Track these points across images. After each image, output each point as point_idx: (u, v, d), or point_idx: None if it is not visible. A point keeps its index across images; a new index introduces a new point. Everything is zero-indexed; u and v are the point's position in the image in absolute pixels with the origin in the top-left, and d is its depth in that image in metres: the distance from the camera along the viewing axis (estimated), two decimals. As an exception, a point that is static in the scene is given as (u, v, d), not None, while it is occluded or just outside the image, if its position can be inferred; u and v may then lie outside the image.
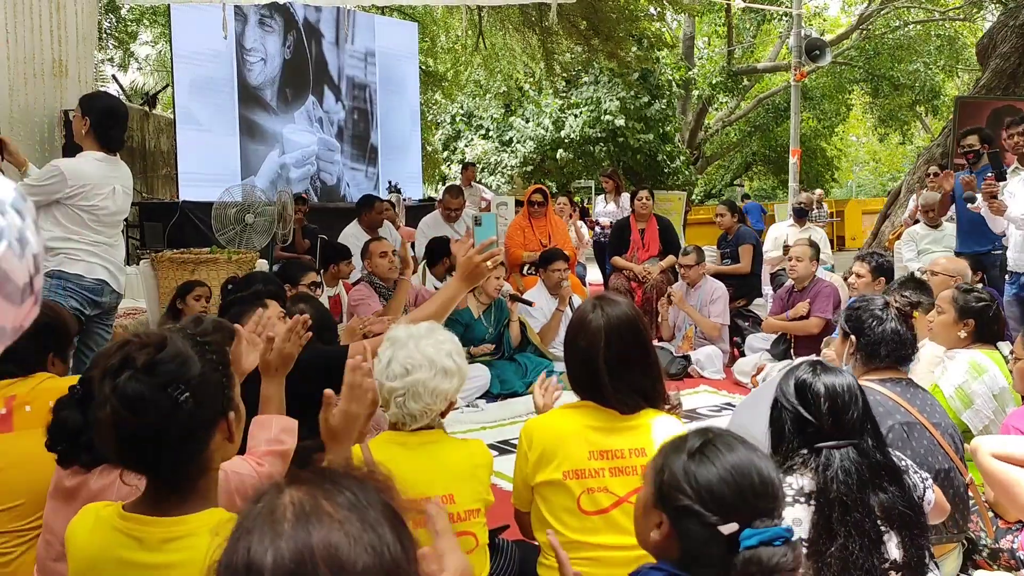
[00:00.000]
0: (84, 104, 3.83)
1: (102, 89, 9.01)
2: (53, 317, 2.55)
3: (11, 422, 2.35)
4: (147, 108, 10.68)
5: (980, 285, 4.72)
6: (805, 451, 1.89)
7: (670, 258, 6.97)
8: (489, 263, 2.33)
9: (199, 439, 1.36)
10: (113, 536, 1.35)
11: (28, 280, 0.75)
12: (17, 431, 2.33)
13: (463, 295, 2.38)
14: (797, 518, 1.82)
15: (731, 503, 1.29)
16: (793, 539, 1.28)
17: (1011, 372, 2.97)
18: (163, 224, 7.50)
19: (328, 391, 1.69)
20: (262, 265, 6.28)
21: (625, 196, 8.78)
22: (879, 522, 1.81)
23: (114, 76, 13.83)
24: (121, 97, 12.64)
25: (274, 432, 1.86)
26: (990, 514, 2.62)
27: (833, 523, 1.79)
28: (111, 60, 15.42)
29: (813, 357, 4.51)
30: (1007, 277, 4.99)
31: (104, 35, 13.60)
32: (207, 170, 8.69)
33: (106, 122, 3.82)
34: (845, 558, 1.76)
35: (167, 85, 11.08)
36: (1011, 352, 3.03)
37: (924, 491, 2.00)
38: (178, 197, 8.45)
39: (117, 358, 1.32)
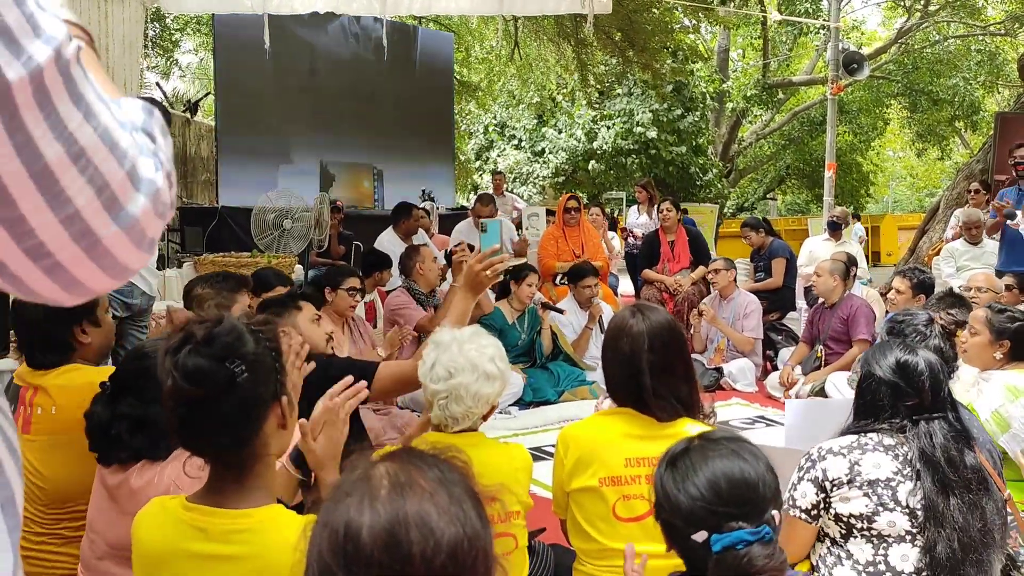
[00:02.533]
0: None
1: (145, 95, 9.22)
2: None
3: (29, 423, 2.29)
4: (189, 115, 10.89)
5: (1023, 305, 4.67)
6: (896, 420, 2.02)
7: (700, 269, 6.97)
8: (489, 272, 2.32)
9: (255, 417, 1.40)
10: (178, 527, 1.39)
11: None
12: (34, 435, 2.27)
13: (472, 305, 2.38)
14: (877, 462, 1.98)
15: (700, 514, 1.35)
16: (767, 539, 1.32)
17: None
18: (203, 228, 7.65)
19: (302, 421, 1.73)
20: (299, 270, 6.39)
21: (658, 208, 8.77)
22: (974, 481, 1.94)
23: (157, 83, 14.12)
24: (164, 104, 12.90)
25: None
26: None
27: (946, 482, 1.92)
28: (155, 68, 15.75)
29: (848, 373, 4.50)
30: None
31: (149, 43, 13.90)
32: (247, 176, 8.84)
33: None
34: (963, 512, 1.89)
35: (208, 93, 11.31)
36: None
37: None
38: (217, 202, 8.61)
39: (179, 337, 1.37)
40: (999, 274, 5.35)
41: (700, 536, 1.33)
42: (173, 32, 16.01)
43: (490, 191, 10.12)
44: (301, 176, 9.16)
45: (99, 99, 0.65)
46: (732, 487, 1.36)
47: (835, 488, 1.99)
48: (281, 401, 1.45)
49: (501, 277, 3.42)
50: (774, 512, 1.37)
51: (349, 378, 1.80)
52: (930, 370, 2.02)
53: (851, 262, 6.00)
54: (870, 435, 2.03)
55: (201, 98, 12.53)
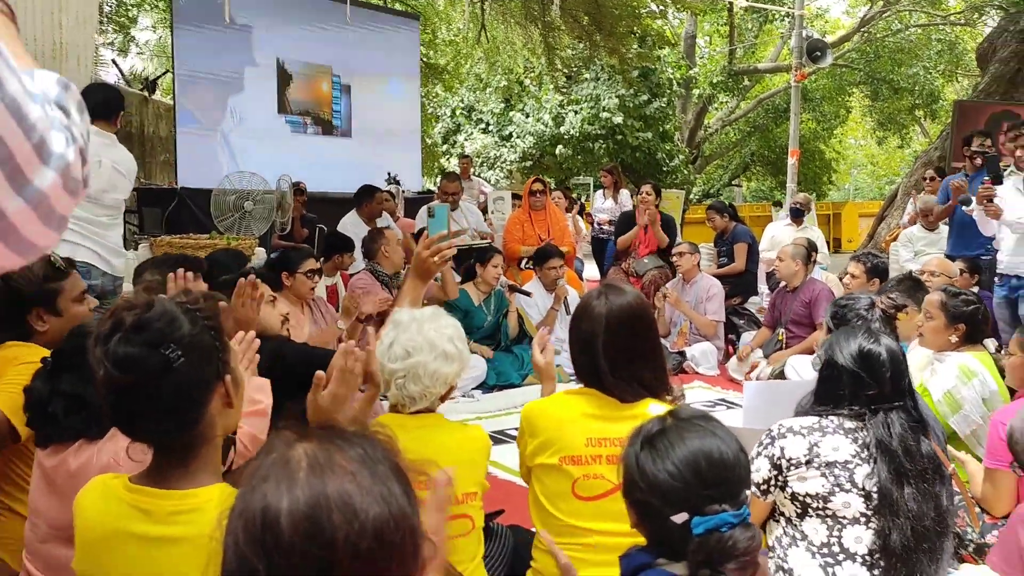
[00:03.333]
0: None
1: (101, 73, 9.01)
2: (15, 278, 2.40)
3: None
4: (146, 93, 10.65)
5: (976, 288, 4.77)
6: (856, 407, 2.04)
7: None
8: (437, 259, 2.28)
9: (196, 401, 1.37)
10: (121, 509, 1.36)
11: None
12: None
13: (422, 292, 2.34)
14: (836, 445, 2.00)
15: (680, 494, 1.33)
16: (748, 524, 1.31)
17: (1004, 368, 3.00)
18: (161, 210, 7.50)
19: (319, 372, 1.71)
20: (260, 253, 6.30)
21: (624, 193, 8.80)
22: (930, 469, 1.97)
23: (114, 61, 13.76)
24: (120, 82, 12.61)
25: (249, 392, 1.88)
26: (976, 509, 2.66)
27: (901, 472, 1.94)
28: (111, 44, 15.37)
29: (811, 356, 4.56)
30: (997, 279, 5.04)
31: (104, 19, 13.55)
32: (205, 157, 8.68)
33: (90, 97, 3.84)
34: (916, 501, 1.92)
35: (167, 71, 11.06)
36: (1004, 351, 3.06)
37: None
38: (176, 183, 8.45)
39: (108, 324, 1.33)
40: (950, 259, 5.46)
41: (680, 518, 1.31)
42: (130, 8, 15.64)
43: (456, 171, 10.08)
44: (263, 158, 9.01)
45: (8, 68, 0.62)
46: (711, 466, 1.34)
47: (792, 468, 2.01)
48: (225, 380, 1.41)
49: (450, 263, 3.38)
50: (747, 492, 1.37)
51: (351, 342, 1.75)
52: (892, 359, 2.04)
53: (812, 247, 6.07)
54: (831, 417, 2.05)
55: (159, 76, 12.25)
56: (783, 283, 5.91)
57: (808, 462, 1.99)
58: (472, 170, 11.45)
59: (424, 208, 7.48)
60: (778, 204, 16.49)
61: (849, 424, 2.03)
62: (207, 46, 8.77)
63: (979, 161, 5.86)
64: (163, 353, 1.31)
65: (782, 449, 2.02)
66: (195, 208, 7.57)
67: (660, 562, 1.36)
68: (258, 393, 1.91)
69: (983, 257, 5.52)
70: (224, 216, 6.23)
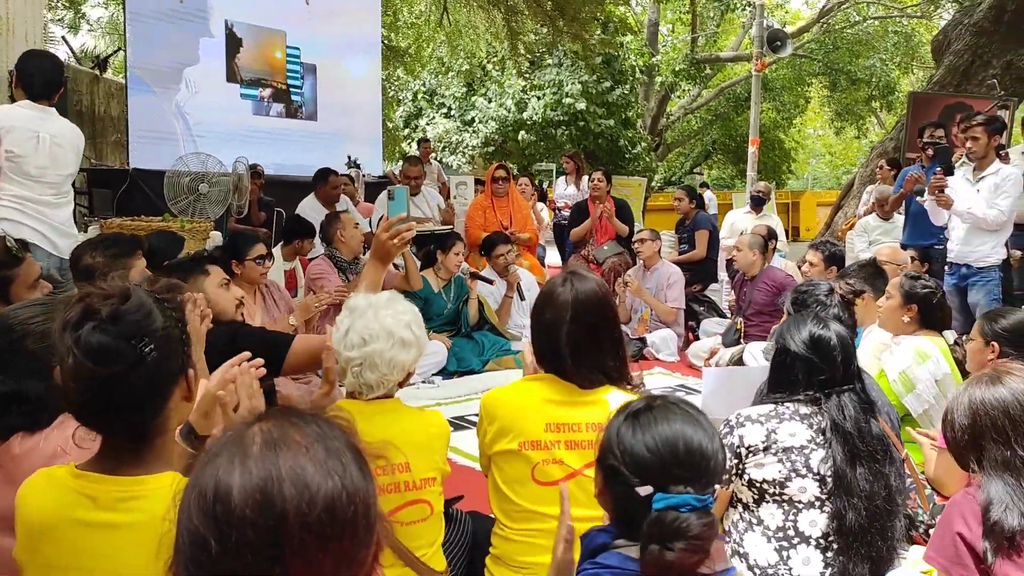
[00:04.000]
0: (16, 65, 3.89)
1: (50, 50, 8.75)
2: None
3: None
4: (97, 72, 10.38)
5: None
6: (811, 392, 2.08)
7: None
8: (397, 241, 2.26)
9: (161, 394, 1.35)
10: (66, 496, 1.33)
11: None
12: None
13: (382, 275, 2.33)
14: (793, 431, 2.04)
15: (651, 468, 1.35)
16: (708, 511, 1.32)
17: (964, 353, 3.07)
18: (112, 191, 7.33)
19: (220, 392, 1.68)
20: (216, 236, 6.19)
21: (586, 179, 8.81)
22: (879, 450, 2.02)
23: (64, 38, 13.40)
24: (71, 60, 12.27)
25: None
26: (927, 490, 2.72)
27: (855, 452, 1.99)
28: (61, 21, 14.93)
29: (764, 343, 4.62)
30: (947, 268, 5.15)
31: (54, -5, 13.18)
32: (158, 136, 8.49)
33: (29, 72, 3.79)
34: (868, 481, 1.96)
35: (119, 49, 10.79)
36: (963, 337, 3.14)
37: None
38: (128, 164, 8.26)
39: (78, 309, 1.30)
40: (904, 247, 5.56)
41: (645, 490, 1.32)
42: (82, -16, 15.22)
43: (417, 155, 9.99)
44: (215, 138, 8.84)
45: None
46: (688, 452, 1.36)
47: (750, 455, 2.04)
48: (187, 373, 1.40)
49: (410, 246, 3.36)
50: (717, 487, 1.38)
51: (246, 354, 1.73)
52: (842, 344, 2.09)
53: (770, 235, 6.15)
54: (787, 404, 2.09)
55: (111, 54, 11.94)
56: (741, 272, 5.98)
57: (766, 448, 2.02)
58: (432, 155, 11.38)
59: (384, 192, 7.44)
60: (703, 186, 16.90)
61: (804, 410, 2.06)
62: (161, 13, 8.54)
63: (931, 152, 5.97)
64: (136, 346, 1.29)
65: (741, 437, 2.05)
66: (148, 190, 7.41)
67: (619, 543, 1.37)
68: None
69: (936, 247, 5.63)
70: (178, 199, 6.10)
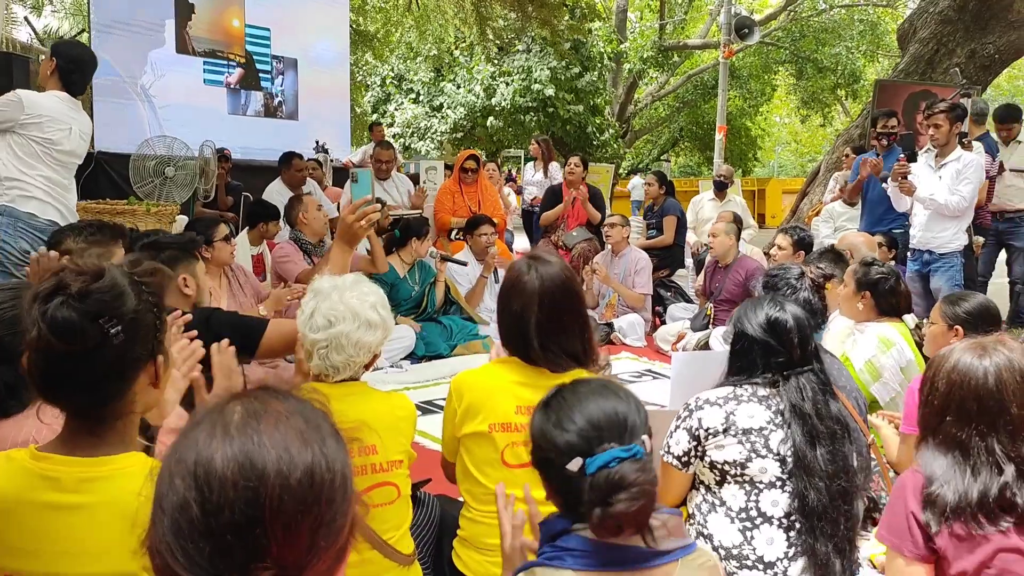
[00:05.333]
0: (55, 48, 4.08)
1: (12, 30, 8.53)
2: None
3: None
4: (59, 53, 10.14)
5: (892, 262, 4.94)
6: (769, 375, 2.09)
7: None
8: (363, 222, 2.26)
9: (124, 378, 1.33)
10: (26, 478, 1.30)
11: None
12: None
13: (348, 258, 2.33)
14: (751, 413, 2.04)
15: (575, 445, 1.37)
16: (640, 457, 1.34)
17: (923, 337, 3.11)
18: (77, 175, 7.17)
19: (194, 374, 1.68)
20: (182, 220, 6.09)
21: (554, 165, 8.81)
22: (839, 430, 2.03)
23: (26, 18, 13.07)
24: (33, 41, 11.98)
25: (182, 421, 1.82)
26: (891, 474, 2.76)
27: (814, 433, 2.00)
28: (23, 1, 14.55)
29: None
30: (909, 254, 5.22)
31: (13, -27, 12.81)
32: (124, 119, 8.32)
33: (71, 67, 3.96)
34: (828, 461, 1.98)
35: (83, 30, 10.56)
36: (925, 321, 3.17)
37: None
38: (93, 147, 8.09)
39: (51, 283, 1.28)
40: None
41: (575, 464, 1.34)
42: (43, -37, 14.84)
43: (390, 140, 9.90)
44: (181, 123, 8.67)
45: None
46: (605, 416, 1.39)
47: (710, 437, 2.05)
48: (156, 360, 1.38)
49: (374, 227, 3.35)
50: (644, 437, 1.39)
51: (225, 342, 1.73)
52: (798, 326, 2.10)
53: (738, 220, 6.19)
54: (745, 387, 2.09)
55: (75, 36, 11.69)
56: (710, 257, 6.00)
57: (725, 431, 2.03)
58: (401, 140, 11.27)
59: (350, 175, 7.35)
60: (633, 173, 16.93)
61: (763, 392, 2.08)
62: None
63: (884, 142, 6.04)
64: (102, 326, 1.27)
65: (699, 420, 2.06)
66: (113, 173, 7.28)
67: (577, 527, 1.38)
68: (181, 420, 1.84)
69: (895, 231, 5.71)
70: (144, 182, 5.99)
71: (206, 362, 1.85)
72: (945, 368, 1.77)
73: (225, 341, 1.83)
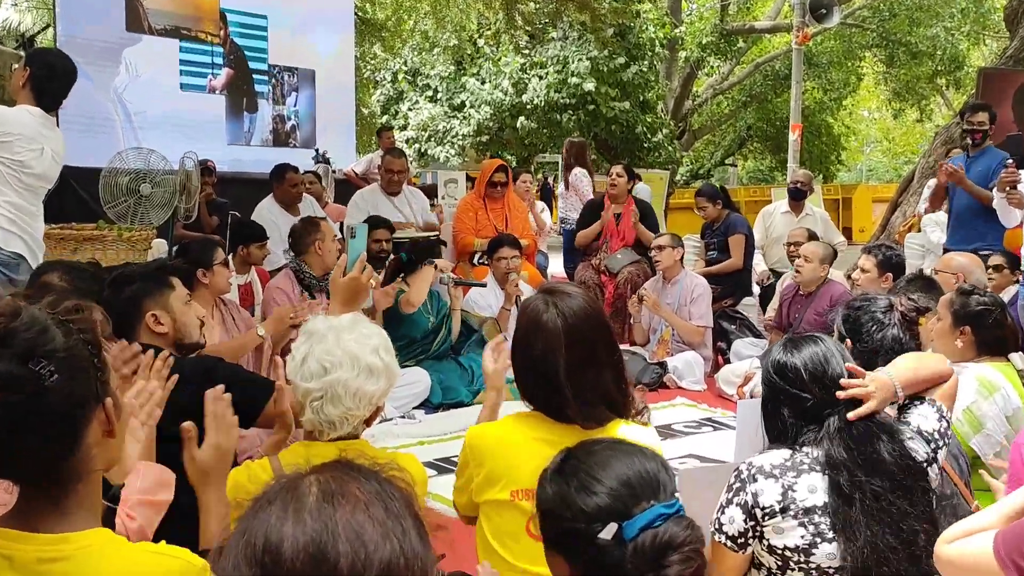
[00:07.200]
0: (29, 57, 4.26)
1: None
2: None
3: None
4: (22, 52, 10.44)
5: (1017, 284, 4.86)
6: (812, 427, 2.09)
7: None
8: (364, 277, 2.36)
9: (73, 426, 1.35)
10: None
11: None
12: None
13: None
14: (812, 485, 2.02)
15: (604, 509, 1.38)
16: (683, 514, 1.36)
17: None
18: (39, 193, 7.36)
19: (186, 424, 1.74)
20: (160, 245, 6.21)
21: (576, 173, 8.56)
22: (894, 476, 2.01)
23: (-20, 12, 13.50)
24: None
25: (150, 482, 1.87)
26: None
27: (843, 487, 1.99)
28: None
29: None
30: (1018, 279, 5.14)
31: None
32: (93, 128, 8.53)
33: (46, 77, 4.08)
34: (870, 516, 1.96)
35: (48, 25, 10.88)
36: None
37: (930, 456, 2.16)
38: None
39: None
40: (946, 252, 5.50)
41: (609, 531, 1.35)
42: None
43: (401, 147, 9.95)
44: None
45: None
46: (638, 477, 1.40)
47: (767, 517, 2.03)
48: (105, 404, 1.40)
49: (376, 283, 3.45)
50: (676, 493, 1.41)
51: (219, 387, 1.79)
52: (811, 360, 2.13)
53: (813, 238, 6.17)
54: (805, 450, 2.08)
55: (39, 32, 12.05)
56: (789, 282, 5.94)
57: (784, 510, 2.01)
58: (416, 145, 11.38)
59: (367, 190, 7.43)
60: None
61: (823, 456, 2.07)
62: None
63: (971, 140, 5.98)
64: (33, 369, 1.29)
65: (754, 495, 2.04)
66: (81, 191, 7.45)
67: None
68: (161, 487, 1.89)
69: (981, 252, 5.61)
70: (116, 202, 6.11)
71: (200, 413, 1.90)
72: None
73: (220, 388, 1.86)
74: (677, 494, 1.40)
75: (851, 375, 2.15)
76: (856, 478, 1.99)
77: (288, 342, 4.26)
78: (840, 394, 2.10)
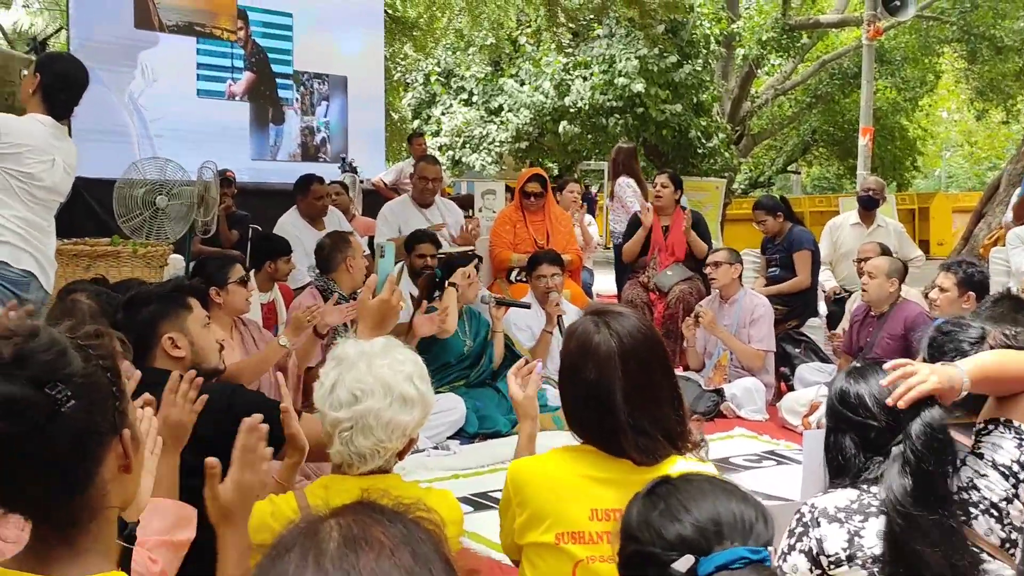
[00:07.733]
0: (40, 62, 4.30)
1: None
2: None
3: None
4: (34, 56, 10.68)
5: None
6: (878, 459, 2.09)
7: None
8: (394, 299, 2.41)
9: (89, 458, 1.37)
10: None
11: None
12: None
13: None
14: (881, 531, 2.00)
15: (691, 541, 1.39)
16: (768, 565, 1.36)
17: None
18: (51, 206, 7.51)
19: (210, 459, 1.75)
20: (176, 261, 6.31)
21: (621, 182, 8.52)
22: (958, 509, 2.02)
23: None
24: (1, 42, 12.64)
25: (170, 521, 1.90)
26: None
27: (909, 521, 1.96)
28: (-14, -7, 15.42)
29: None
30: None
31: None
32: (108, 137, 8.68)
33: (57, 85, 4.13)
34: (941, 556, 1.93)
35: (60, 28, 11.12)
36: None
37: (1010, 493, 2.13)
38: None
39: None
40: None
41: (685, 563, 1.35)
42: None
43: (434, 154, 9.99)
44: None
45: None
46: (730, 517, 1.41)
47: (833, 566, 2.02)
48: (122, 436, 1.42)
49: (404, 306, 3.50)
50: (771, 549, 1.42)
51: (256, 416, 1.81)
52: (871, 390, 2.12)
53: (886, 253, 6.10)
54: (873, 490, 2.06)
55: (51, 35, 12.32)
56: (858, 303, 5.88)
57: (850, 558, 2.00)
58: (451, 152, 11.44)
59: (396, 201, 7.48)
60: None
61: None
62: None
63: None
64: (49, 394, 1.30)
65: (818, 542, 2.03)
66: (94, 203, 7.58)
67: None
68: (181, 526, 1.92)
69: None
70: (131, 215, 6.22)
71: (227, 446, 1.91)
72: None
73: (258, 417, 1.87)
74: (771, 548, 1.41)
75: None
76: (911, 516, 1.97)
77: (318, 364, 4.32)
78: (889, 400, 2.06)
